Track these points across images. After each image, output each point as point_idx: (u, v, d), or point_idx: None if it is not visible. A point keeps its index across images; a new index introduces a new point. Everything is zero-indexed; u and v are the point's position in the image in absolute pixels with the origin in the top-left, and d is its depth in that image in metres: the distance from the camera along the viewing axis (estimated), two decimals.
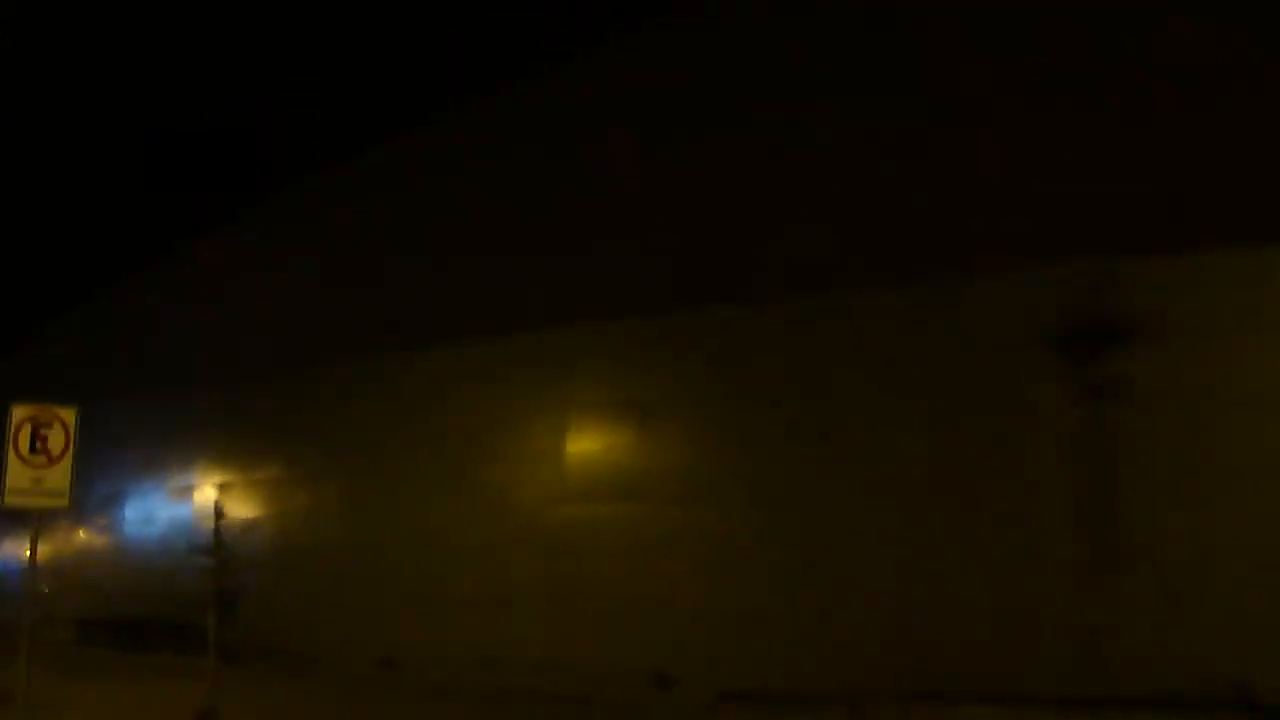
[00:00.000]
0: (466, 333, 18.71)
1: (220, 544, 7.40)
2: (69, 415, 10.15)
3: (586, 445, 17.00)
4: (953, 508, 12.57)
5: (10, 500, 9.99)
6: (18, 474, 9.80)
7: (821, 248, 13.93)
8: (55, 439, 9.76)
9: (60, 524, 35.87)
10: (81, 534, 33.72)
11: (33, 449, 9.77)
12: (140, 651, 24.40)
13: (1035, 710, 10.65)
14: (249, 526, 23.13)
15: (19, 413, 9.73)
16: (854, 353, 13.83)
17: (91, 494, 33.20)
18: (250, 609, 23.36)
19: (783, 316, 14.56)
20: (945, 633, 12.23)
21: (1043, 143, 12.66)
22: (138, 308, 31.96)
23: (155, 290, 30.71)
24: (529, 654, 15.45)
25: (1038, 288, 12.31)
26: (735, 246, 15.17)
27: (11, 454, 9.72)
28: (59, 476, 9.97)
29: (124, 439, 30.24)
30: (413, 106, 22.45)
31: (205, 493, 26.83)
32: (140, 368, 30.56)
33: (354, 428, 21.56)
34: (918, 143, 13.65)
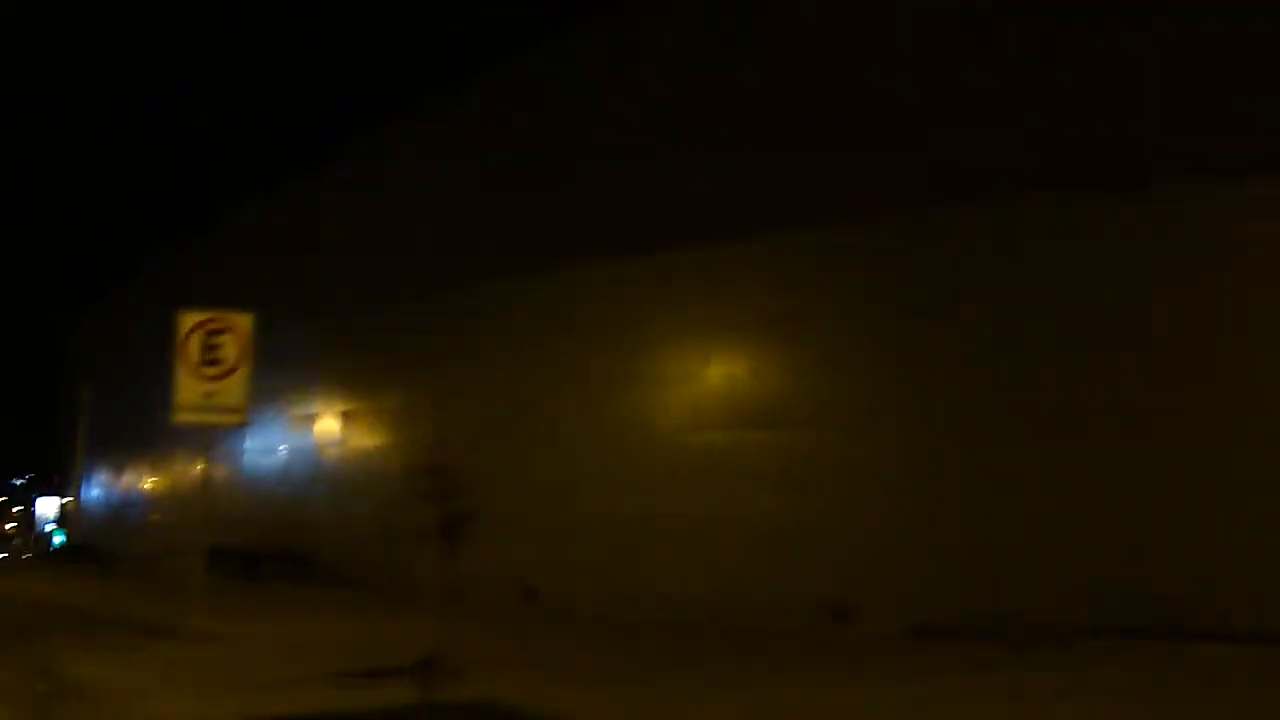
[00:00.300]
0: (602, 252, 17.92)
1: (442, 468, 6.24)
2: (244, 322, 8.85)
3: (732, 368, 16.21)
4: (1162, 435, 11.49)
5: (182, 417, 8.86)
6: (189, 388, 8.58)
7: (1011, 152, 12.79)
8: (229, 348, 8.55)
9: (179, 454, 36.30)
10: (201, 463, 33.88)
11: (205, 360, 8.68)
12: (263, 582, 24.35)
13: (1272, 648, 9.58)
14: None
15: (188, 320, 8.52)
16: (1036, 267, 12.75)
17: None
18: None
19: (956, 226, 13.44)
20: (1147, 568, 11.22)
21: None
22: (262, 231, 31.76)
23: (281, 213, 30.48)
24: (689, 587, 14.72)
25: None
26: (894, 153, 14.09)
27: (181, 365, 8.70)
28: (235, 390, 8.67)
29: None
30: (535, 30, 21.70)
31: (327, 421, 26.66)
32: (264, 293, 30.33)
33: (484, 352, 21.00)
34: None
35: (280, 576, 24.62)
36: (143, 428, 38.89)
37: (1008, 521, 12.31)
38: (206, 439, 32.99)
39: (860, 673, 8.98)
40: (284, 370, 28.41)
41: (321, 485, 26.11)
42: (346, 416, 25.58)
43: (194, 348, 8.36)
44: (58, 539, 54.05)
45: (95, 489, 47.16)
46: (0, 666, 9.07)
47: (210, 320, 8.41)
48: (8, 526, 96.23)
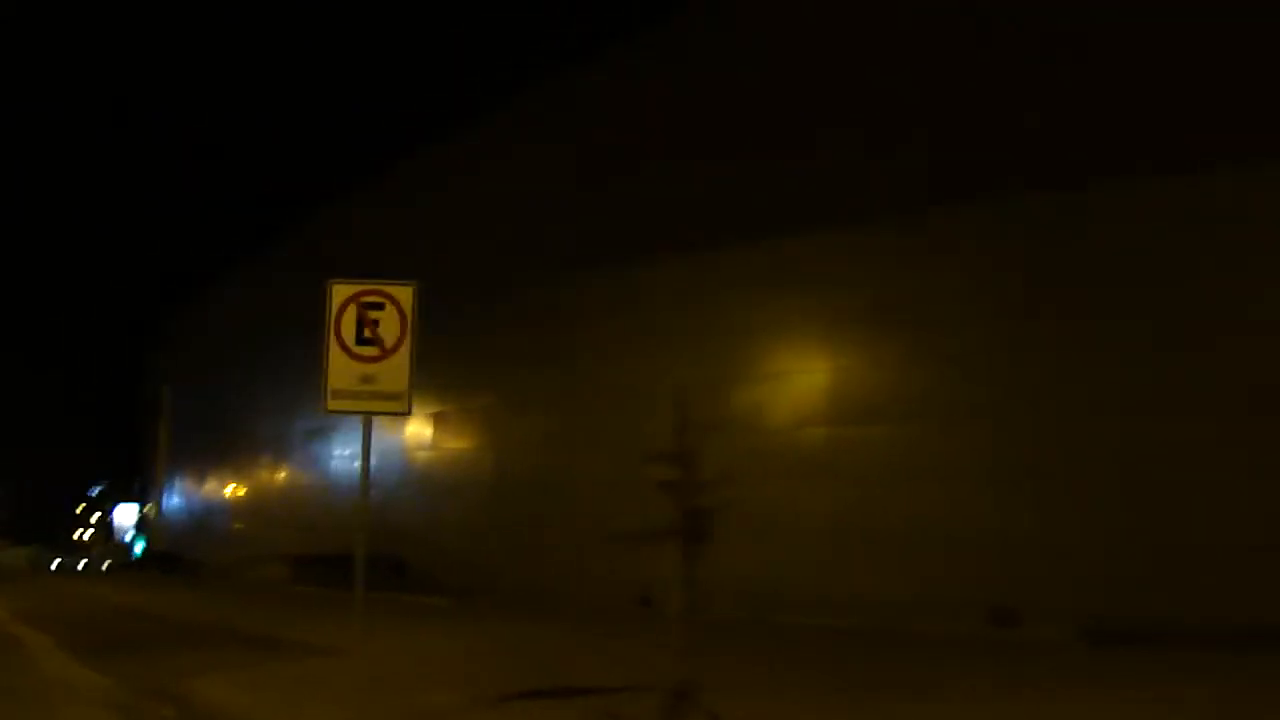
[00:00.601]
0: (705, 245, 16.95)
1: (687, 453, 4.72)
2: (406, 294, 7.61)
3: (847, 361, 15.15)
4: None
5: (336, 407, 7.39)
6: (343, 372, 7.35)
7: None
8: (389, 325, 7.13)
9: (262, 459, 35.83)
10: (285, 469, 33.39)
11: (360, 339, 7.45)
12: (352, 589, 23.50)
13: None
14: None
15: (340, 293, 7.05)
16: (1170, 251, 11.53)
17: (295, 427, 32.89)
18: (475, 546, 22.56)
19: (1090, 205, 12.30)
20: None
21: None
22: (343, 226, 31.14)
23: (367, 205, 29.84)
24: (831, 589, 13.60)
25: None
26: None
27: (333, 345, 7.37)
28: (397, 373, 7.42)
29: None
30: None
31: (416, 421, 25.86)
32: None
33: (580, 348, 20.13)
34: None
35: (370, 583, 23.81)
36: (225, 432, 38.53)
37: (1187, 513, 11.09)
38: (287, 442, 32.72)
39: (1095, 681, 7.79)
40: None
41: (411, 488, 25.29)
42: (438, 417, 24.76)
43: (347, 326, 7.07)
44: (139, 547, 54.05)
45: (176, 496, 46.99)
46: (114, 684, 8.21)
47: (366, 292, 7.10)
48: (86, 535, 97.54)
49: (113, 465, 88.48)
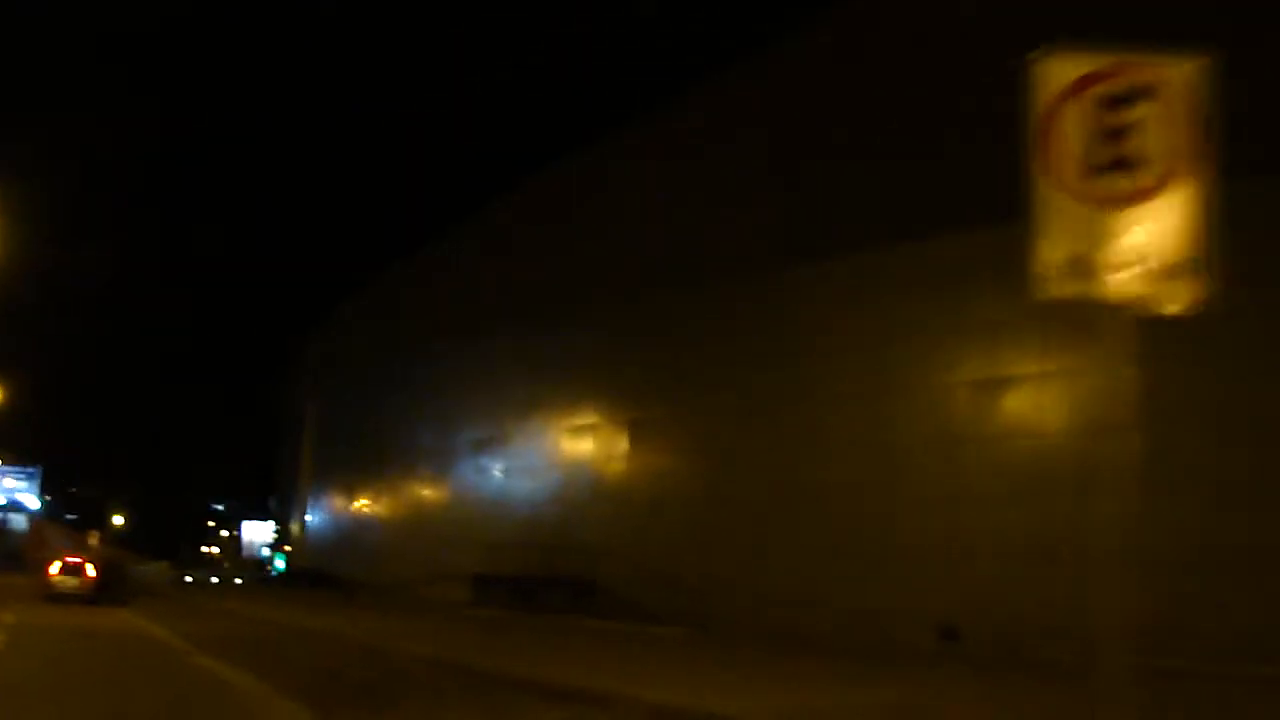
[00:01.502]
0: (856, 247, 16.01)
1: None
2: (1183, 75, 3.25)
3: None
4: None
5: (1055, 290, 3.45)
6: (1068, 223, 3.32)
7: None
8: (1157, 135, 3.11)
9: (421, 472, 33.77)
10: (449, 483, 31.25)
11: (1099, 165, 3.49)
12: (541, 613, 21.41)
13: None
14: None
15: (1056, 74, 3.20)
16: None
17: (459, 438, 30.85)
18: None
19: None
20: None
21: None
22: (502, 233, 29.27)
23: (526, 210, 27.96)
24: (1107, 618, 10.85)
25: None
26: None
27: (1041, 175, 3.43)
28: (1172, 225, 3.40)
29: (499, 377, 27.43)
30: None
31: (607, 433, 23.59)
32: (509, 298, 27.67)
33: (808, 346, 17.70)
34: None
35: (558, 606, 21.67)
36: (375, 445, 36.66)
37: None
38: (451, 453, 30.60)
39: None
40: (547, 377, 25.56)
41: (604, 503, 22.92)
42: (635, 425, 22.39)
43: (1071, 140, 3.30)
44: (278, 563, 52.57)
45: (319, 512, 45.39)
46: None
47: (1107, 73, 3.32)
48: (213, 550, 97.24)
49: (239, 482, 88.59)
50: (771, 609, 16.48)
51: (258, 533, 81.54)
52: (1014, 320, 13.97)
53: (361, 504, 38.93)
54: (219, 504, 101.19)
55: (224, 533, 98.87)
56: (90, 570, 24.18)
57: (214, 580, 62.73)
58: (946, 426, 15.29)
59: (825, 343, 17.29)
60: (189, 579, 60.84)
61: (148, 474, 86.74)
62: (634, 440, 22.29)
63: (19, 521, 59.68)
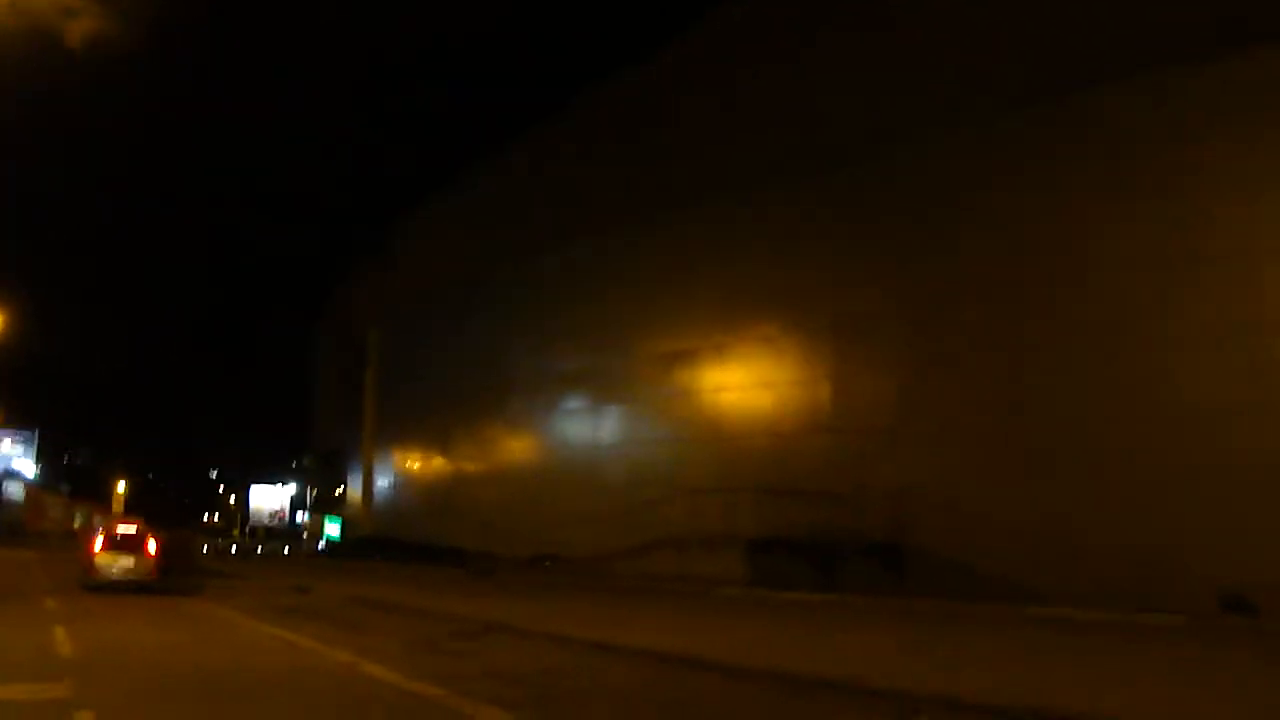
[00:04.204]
0: None
1: None
2: None
3: None
4: None
5: None
6: None
7: None
8: None
9: (573, 405, 25.97)
10: (613, 418, 23.37)
11: None
12: (846, 590, 14.36)
13: None
14: None
15: None
16: None
17: (637, 354, 23.34)
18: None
19: None
20: None
21: None
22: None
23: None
24: None
25: None
26: None
27: None
28: None
29: (695, 276, 19.95)
30: None
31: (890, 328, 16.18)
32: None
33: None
34: None
35: (856, 583, 14.55)
36: (481, 377, 28.84)
37: None
38: (620, 376, 22.80)
39: None
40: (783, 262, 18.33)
41: (916, 428, 15.68)
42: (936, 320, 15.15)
43: None
44: (330, 529, 43.51)
45: (388, 469, 37.25)
46: None
47: None
48: (215, 518, 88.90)
49: (251, 444, 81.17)
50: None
51: (267, 498, 74.17)
52: None
53: (463, 454, 30.93)
54: (217, 469, 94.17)
55: (231, 500, 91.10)
56: (151, 546, 16.61)
57: (233, 549, 53.55)
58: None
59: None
60: (241, 550, 51.47)
61: (150, 438, 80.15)
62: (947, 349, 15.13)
63: (15, 490, 52.61)
